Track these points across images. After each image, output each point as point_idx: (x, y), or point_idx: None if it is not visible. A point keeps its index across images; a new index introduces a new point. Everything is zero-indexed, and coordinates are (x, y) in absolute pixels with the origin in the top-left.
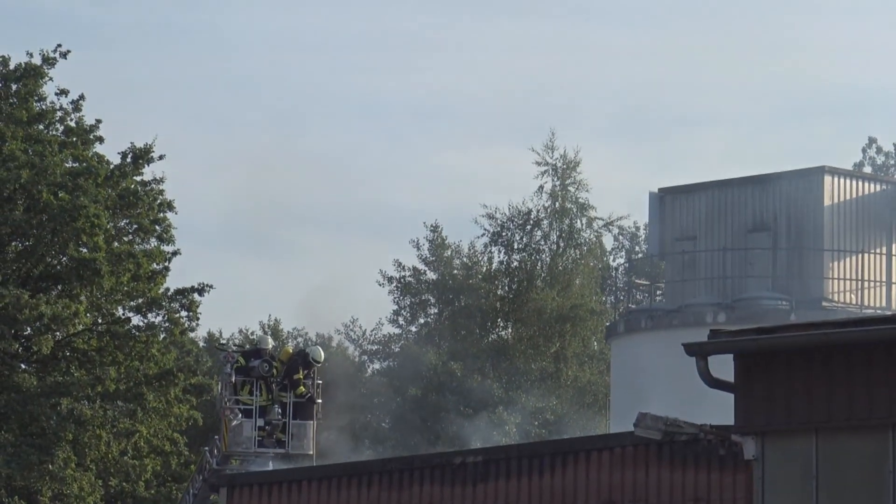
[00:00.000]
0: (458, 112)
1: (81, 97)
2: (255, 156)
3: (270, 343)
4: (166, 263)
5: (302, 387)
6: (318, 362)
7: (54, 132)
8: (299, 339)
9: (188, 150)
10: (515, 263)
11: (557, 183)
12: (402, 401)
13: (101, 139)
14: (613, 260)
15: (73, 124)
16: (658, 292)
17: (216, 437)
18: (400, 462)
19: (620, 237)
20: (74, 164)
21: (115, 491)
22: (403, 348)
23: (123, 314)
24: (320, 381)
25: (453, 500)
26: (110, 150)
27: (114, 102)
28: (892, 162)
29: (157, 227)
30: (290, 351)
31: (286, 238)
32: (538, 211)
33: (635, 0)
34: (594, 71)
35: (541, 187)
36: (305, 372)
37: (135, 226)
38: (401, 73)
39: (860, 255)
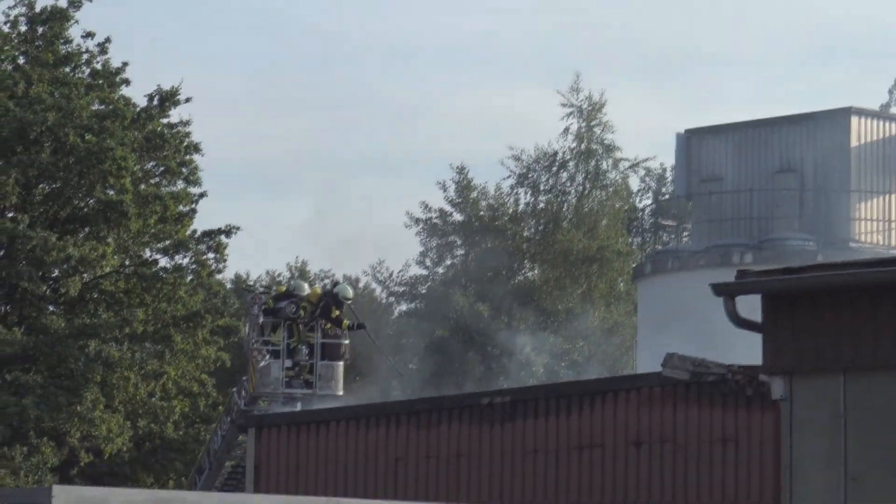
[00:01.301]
0: (484, 54)
1: (108, 40)
2: (282, 99)
3: (305, 289)
4: (193, 205)
5: (345, 321)
6: (348, 299)
7: (80, 75)
8: (326, 281)
9: (215, 92)
10: (542, 205)
11: (583, 124)
12: (430, 342)
13: (127, 82)
14: (640, 201)
15: (99, 67)
16: (685, 233)
17: (244, 378)
18: (427, 402)
19: (647, 178)
20: (101, 107)
21: (144, 432)
22: (430, 290)
23: (151, 256)
24: (347, 322)
25: (480, 439)
26: (137, 93)
27: (140, 45)
28: None
29: (183, 170)
30: (319, 291)
31: (312, 180)
32: (564, 152)
33: None
34: (620, 12)
35: (566, 129)
36: (339, 310)
37: (161, 168)
38: (426, 15)
39: (887, 196)
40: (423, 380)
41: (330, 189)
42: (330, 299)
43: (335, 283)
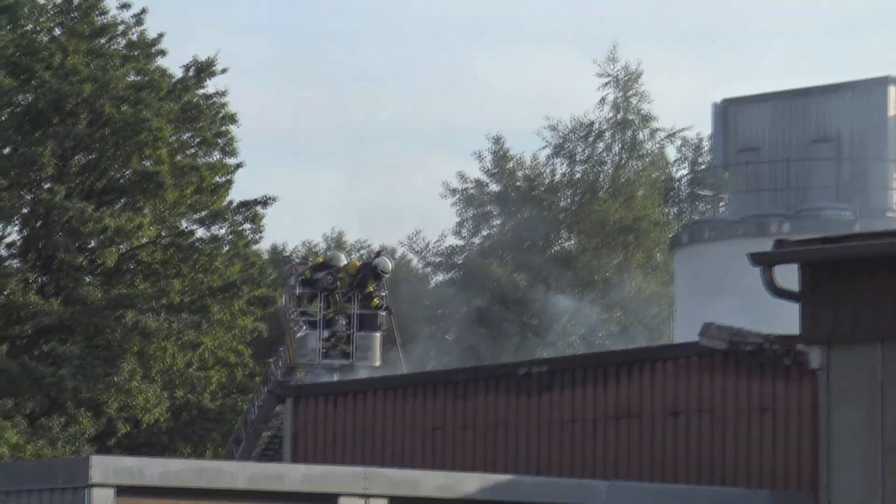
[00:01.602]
0: (519, 24)
1: (143, 11)
2: (316, 68)
3: (343, 260)
4: (229, 176)
5: (375, 299)
6: (387, 272)
7: (116, 46)
8: (363, 252)
9: (249, 61)
10: (578, 175)
11: (620, 94)
12: (467, 312)
13: (163, 52)
14: (676, 171)
15: (135, 38)
16: (721, 203)
17: (281, 348)
18: (465, 373)
19: (683, 148)
20: (137, 78)
21: (181, 402)
22: (467, 260)
23: (187, 227)
24: (384, 293)
25: (518, 409)
26: (173, 64)
27: (175, 16)
28: None
29: (219, 140)
30: (358, 263)
31: (349, 151)
32: (600, 122)
33: None
34: None
35: (603, 99)
36: (375, 284)
37: (198, 139)
38: None
39: None
40: (460, 350)
41: (365, 159)
42: (368, 272)
43: (377, 254)
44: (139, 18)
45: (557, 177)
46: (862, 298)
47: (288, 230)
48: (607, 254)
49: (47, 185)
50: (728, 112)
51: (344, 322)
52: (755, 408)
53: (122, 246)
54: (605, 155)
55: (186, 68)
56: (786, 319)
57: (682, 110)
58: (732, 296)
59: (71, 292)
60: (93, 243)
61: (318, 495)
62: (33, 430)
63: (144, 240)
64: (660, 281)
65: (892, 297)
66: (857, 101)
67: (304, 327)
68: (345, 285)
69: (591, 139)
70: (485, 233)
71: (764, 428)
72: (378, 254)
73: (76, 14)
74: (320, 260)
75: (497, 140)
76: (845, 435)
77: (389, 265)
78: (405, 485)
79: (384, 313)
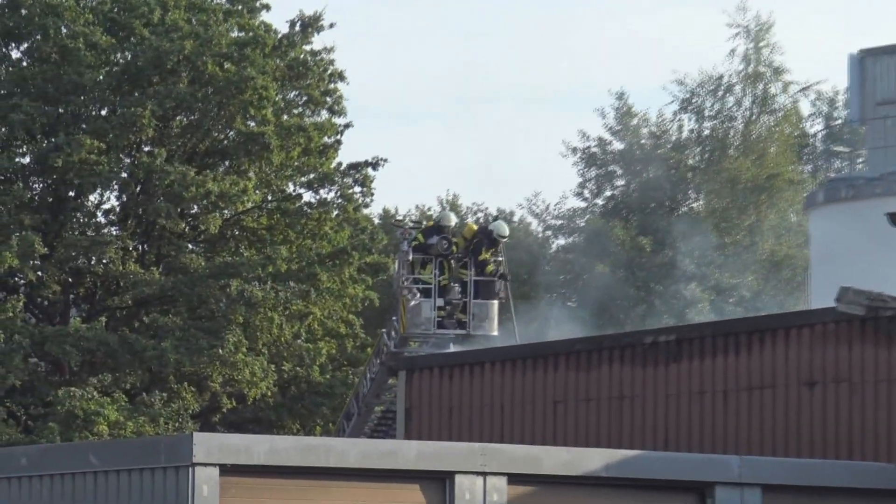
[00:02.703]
0: None
1: None
2: (429, 25)
3: (453, 220)
4: (338, 136)
5: (490, 265)
6: (503, 237)
7: (218, 1)
8: (479, 215)
9: (361, 18)
10: (707, 131)
11: (750, 46)
12: (589, 278)
13: (267, 7)
14: (810, 127)
15: None
16: (859, 160)
17: (394, 318)
18: (587, 342)
19: (818, 102)
20: (240, 34)
21: (289, 376)
22: (589, 223)
23: (294, 190)
24: (501, 259)
25: (644, 381)
26: (277, 19)
27: None
28: None
29: (327, 99)
30: (475, 227)
31: (465, 110)
32: (730, 76)
33: None
34: None
35: (732, 51)
36: (492, 249)
37: (304, 97)
38: None
39: None
40: (582, 318)
41: (481, 119)
42: (484, 236)
43: (494, 218)
44: None
45: (685, 133)
46: None
47: (400, 194)
48: (738, 215)
49: (147, 149)
50: (865, 64)
51: (459, 289)
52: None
53: (225, 211)
54: (734, 110)
55: (292, 24)
56: None
57: (816, 62)
58: (871, 258)
59: (172, 261)
60: (195, 209)
61: (433, 473)
62: (134, 406)
63: (249, 205)
64: (794, 243)
65: None
66: None
67: (418, 295)
68: (460, 250)
69: (720, 93)
70: (608, 193)
71: None
72: (495, 218)
73: None
74: (431, 223)
75: (620, 96)
76: None
77: (506, 229)
78: (525, 462)
79: (501, 280)
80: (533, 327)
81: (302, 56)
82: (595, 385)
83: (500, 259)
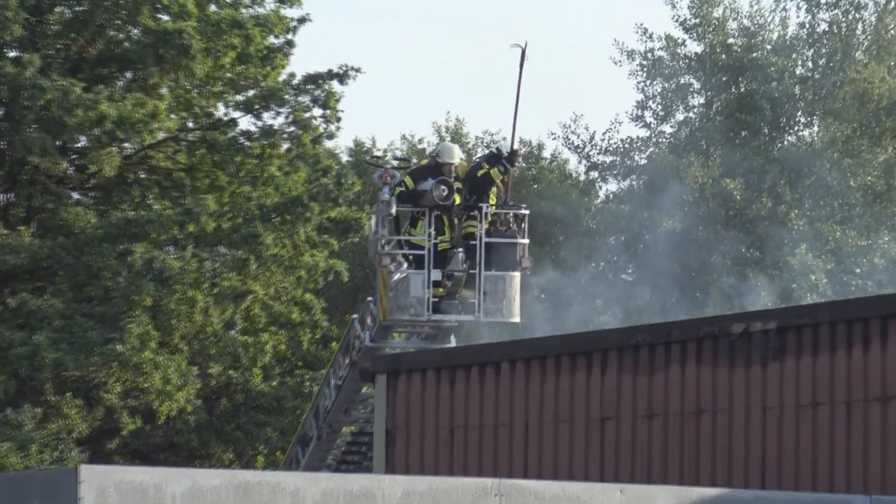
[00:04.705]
0: None
1: None
2: None
3: (457, 155)
4: (289, 36)
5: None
6: (517, 158)
7: None
8: (492, 148)
9: None
10: (823, 26)
11: None
12: (653, 239)
13: None
14: None
15: None
16: None
17: (370, 298)
18: (650, 332)
19: None
20: None
21: (219, 382)
22: (653, 160)
23: (226, 114)
24: (527, 210)
25: (732, 388)
26: None
27: None
28: None
29: None
30: (467, 165)
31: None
32: None
33: None
34: None
35: None
36: (503, 177)
37: None
38: None
39: None
40: (642, 298)
41: (494, 8)
42: (486, 160)
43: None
44: None
45: (791, 29)
46: None
47: (378, 119)
48: (868, 147)
49: (12, 54)
50: None
51: (465, 256)
52: None
53: (126, 145)
54: None
55: None
56: None
57: None
58: None
59: (50, 217)
60: (83, 141)
61: None
62: None
63: (161, 135)
64: None
65: None
66: None
67: (405, 265)
68: (464, 197)
69: None
70: (680, 117)
71: None
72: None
73: None
74: (424, 161)
75: None
76: None
77: (518, 148)
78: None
79: (525, 240)
80: (572, 311)
81: None
82: (661, 395)
83: (524, 211)
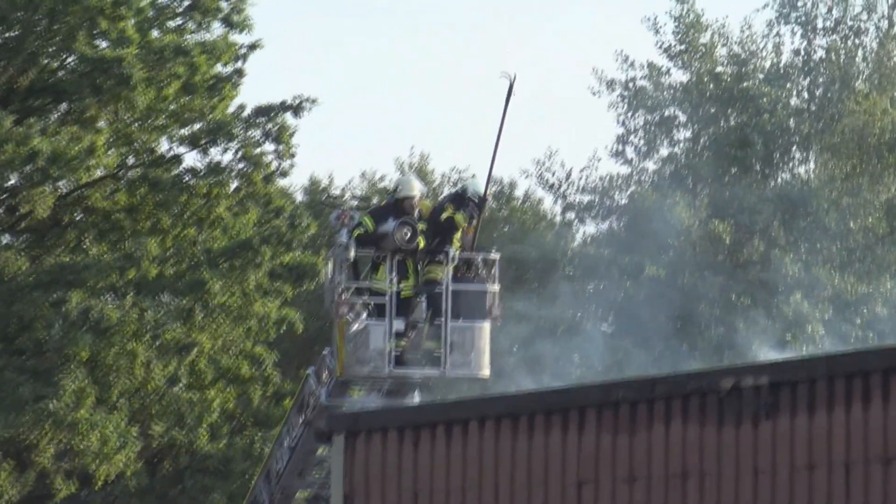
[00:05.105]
0: None
1: None
2: None
3: (417, 189)
4: (238, 64)
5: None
6: (484, 201)
7: None
8: (458, 188)
9: None
10: (820, 53)
11: None
12: (634, 286)
13: None
14: None
15: None
16: None
17: (326, 351)
18: (631, 388)
19: None
20: None
21: (161, 443)
22: (635, 199)
23: (169, 150)
24: (497, 255)
25: (720, 448)
26: None
27: None
28: None
29: (222, 4)
30: (431, 205)
31: (432, 17)
32: None
33: None
34: None
35: None
36: (465, 221)
37: (187, 2)
38: None
39: None
40: (622, 349)
41: (464, 28)
42: (451, 201)
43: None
44: None
45: (785, 56)
46: None
47: (336, 155)
48: (869, 185)
49: None
50: None
51: (427, 305)
52: None
53: (60, 183)
54: (863, 19)
55: None
56: None
57: None
58: None
59: None
60: (13, 180)
61: None
62: None
63: (99, 172)
64: None
65: None
66: None
67: (364, 315)
68: (428, 242)
69: None
70: (664, 152)
71: None
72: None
73: None
74: (384, 201)
75: None
76: None
77: (482, 188)
78: None
79: (495, 286)
80: (547, 365)
81: None
82: (643, 456)
83: (494, 257)
